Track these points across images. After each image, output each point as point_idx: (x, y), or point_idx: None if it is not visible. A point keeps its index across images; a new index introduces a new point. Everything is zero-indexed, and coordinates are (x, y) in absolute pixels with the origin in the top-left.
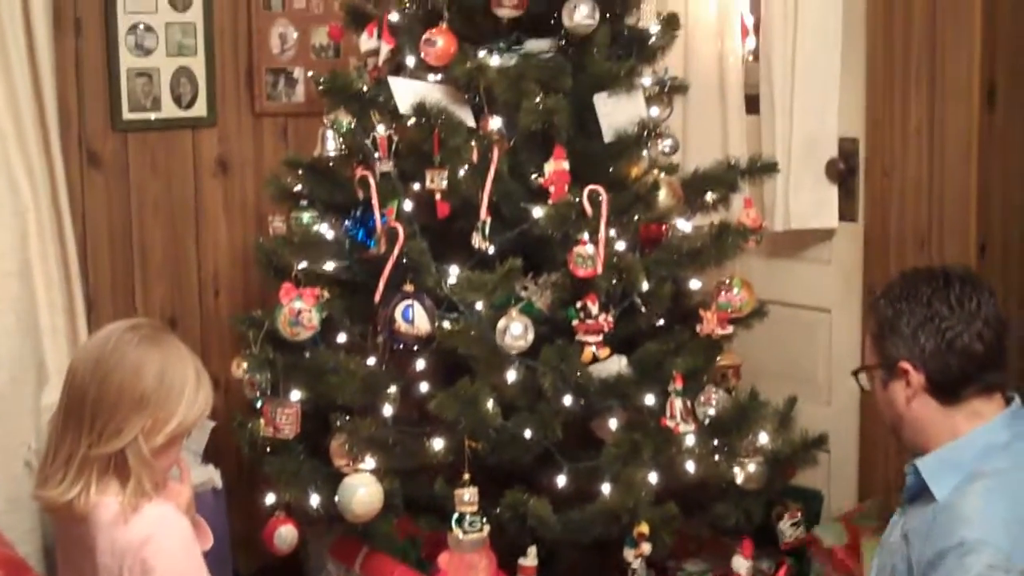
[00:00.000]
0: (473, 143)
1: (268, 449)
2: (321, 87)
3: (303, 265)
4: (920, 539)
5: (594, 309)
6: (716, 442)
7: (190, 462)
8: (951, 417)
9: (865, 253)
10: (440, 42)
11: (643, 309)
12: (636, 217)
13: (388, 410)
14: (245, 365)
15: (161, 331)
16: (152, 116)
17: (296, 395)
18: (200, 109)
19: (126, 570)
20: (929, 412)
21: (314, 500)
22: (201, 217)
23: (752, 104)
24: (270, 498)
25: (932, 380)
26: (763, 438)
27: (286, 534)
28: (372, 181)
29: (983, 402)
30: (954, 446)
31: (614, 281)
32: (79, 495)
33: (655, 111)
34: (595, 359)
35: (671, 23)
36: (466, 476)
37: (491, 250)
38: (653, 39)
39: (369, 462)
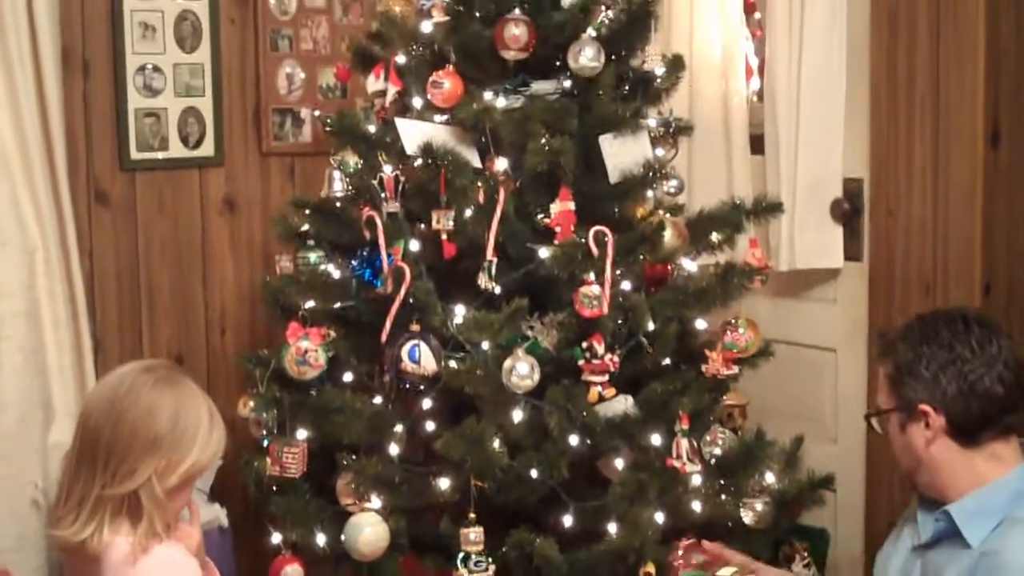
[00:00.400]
0: (479, 184)
1: (274, 488)
2: (328, 127)
3: (310, 304)
4: None
5: (600, 349)
6: (722, 482)
7: (198, 502)
8: (970, 460)
9: (870, 293)
10: (447, 84)
11: (649, 349)
12: (642, 257)
13: (394, 449)
14: (251, 404)
15: (176, 372)
16: (160, 156)
17: (302, 434)
18: (207, 149)
19: None
20: (949, 455)
21: (320, 539)
22: (208, 256)
23: (757, 144)
24: (276, 537)
25: (953, 423)
26: (769, 477)
27: (292, 573)
28: (379, 221)
29: (1002, 445)
30: (984, 493)
31: (620, 321)
32: (92, 535)
33: (660, 152)
34: (601, 399)
35: (676, 64)
36: (472, 515)
37: (497, 290)
38: (658, 80)
39: (375, 501)
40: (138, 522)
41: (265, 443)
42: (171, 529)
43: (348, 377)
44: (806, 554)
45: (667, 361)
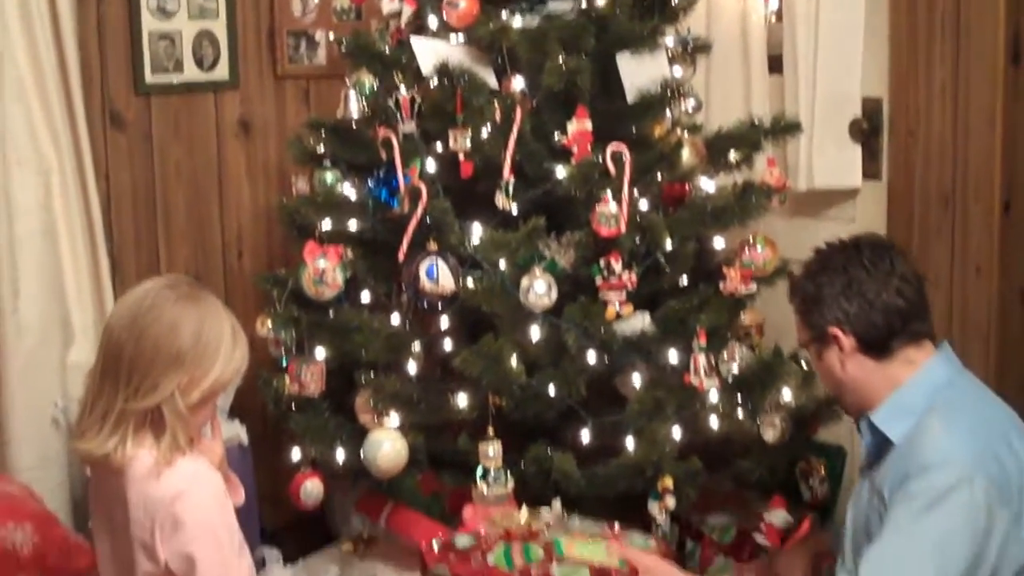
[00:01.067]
0: (496, 103)
1: (293, 406)
2: (344, 48)
3: (327, 225)
4: (886, 478)
5: (617, 267)
6: (739, 398)
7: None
8: (886, 370)
9: (889, 212)
10: (462, 3)
11: (666, 268)
12: (659, 176)
13: (412, 367)
14: (270, 323)
15: (198, 288)
16: (174, 79)
17: (321, 353)
18: (222, 72)
19: (157, 524)
20: (865, 371)
21: (339, 455)
22: (224, 178)
23: (775, 64)
24: (296, 454)
25: (862, 340)
26: (786, 394)
27: (312, 488)
28: (395, 142)
29: (915, 350)
30: (900, 393)
31: (637, 240)
32: (116, 448)
33: (678, 71)
34: (618, 316)
35: None
36: (490, 431)
37: (514, 209)
38: None
39: (394, 418)
40: (161, 436)
41: (284, 362)
42: (194, 444)
43: (366, 297)
44: (822, 470)
45: (684, 280)
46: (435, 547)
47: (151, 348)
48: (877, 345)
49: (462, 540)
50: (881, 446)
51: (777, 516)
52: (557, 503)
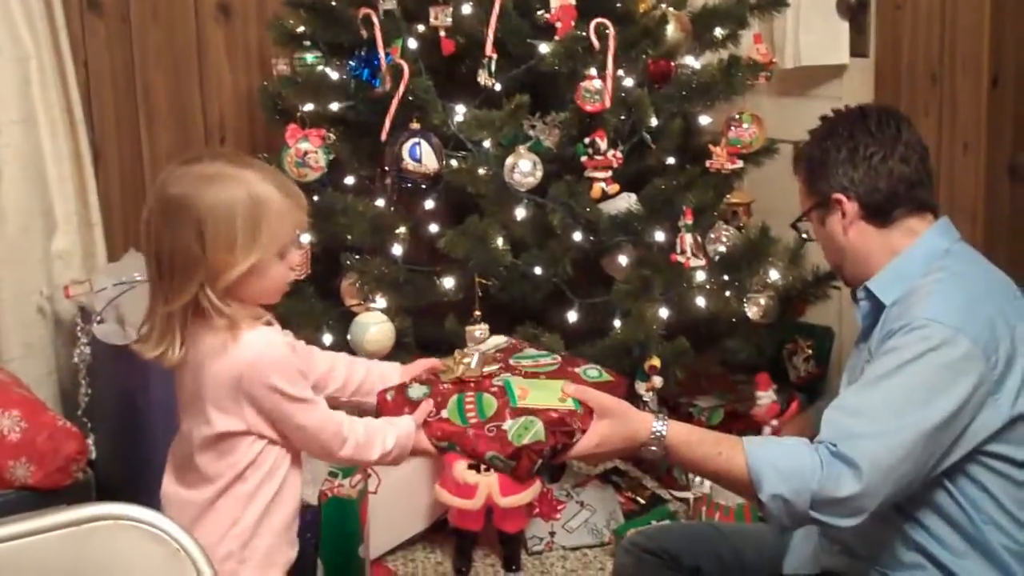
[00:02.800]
0: None
1: None
2: None
3: (308, 106)
4: (877, 340)
5: (603, 145)
6: (726, 278)
7: None
8: (887, 237)
9: (876, 88)
10: None
11: (652, 146)
12: (644, 52)
13: (398, 250)
14: None
15: (207, 164)
16: None
17: (305, 237)
18: None
19: (244, 399)
20: (867, 238)
21: (327, 339)
22: (204, 63)
23: None
24: None
25: (865, 206)
26: (774, 274)
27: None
28: (375, 19)
29: (916, 220)
30: (898, 261)
31: (622, 117)
32: (167, 350)
33: None
34: (604, 195)
35: None
36: (477, 313)
37: (498, 87)
38: None
39: (380, 301)
40: (219, 318)
41: None
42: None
43: (350, 180)
44: (808, 350)
45: (671, 160)
46: (388, 398)
47: (166, 252)
48: (880, 212)
49: (416, 391)
50: (876, 314)
51: (765, 396)
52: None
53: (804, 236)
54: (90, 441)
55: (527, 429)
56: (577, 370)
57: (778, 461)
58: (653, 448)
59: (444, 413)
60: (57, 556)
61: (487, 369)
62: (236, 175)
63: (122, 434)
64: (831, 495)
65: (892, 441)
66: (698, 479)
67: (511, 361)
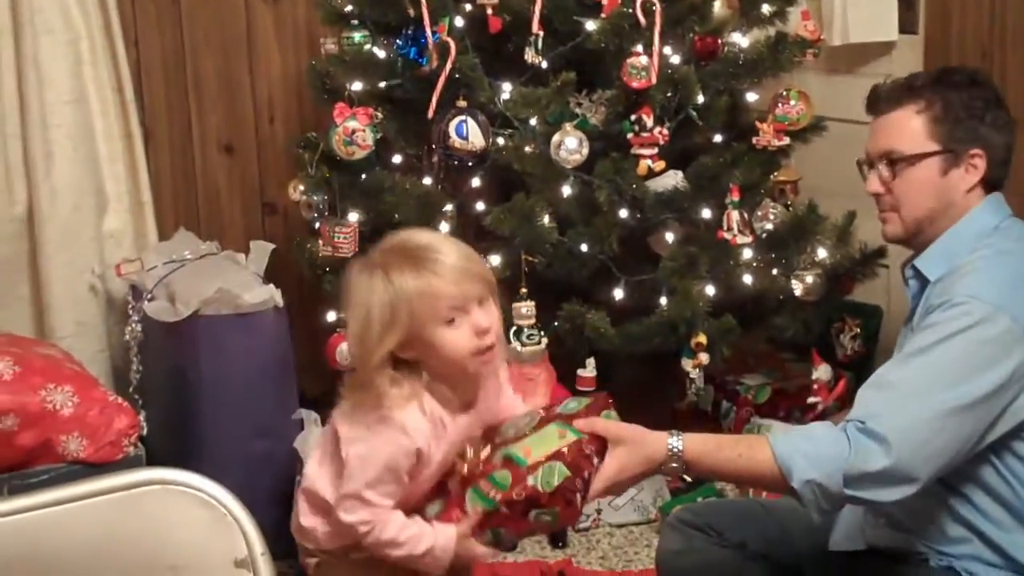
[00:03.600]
0: None
1: (327, 269)
2: None
3: (356, 85)
4: (918, 317)
5: (649, 122)
6: (773, 255)
7: (252, 284)
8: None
9: (926, 65)
10: None
11: (699, 123)
12: (691, 29)
13: (445, 227)
14: (302, 187)
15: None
16: None
17: (353, 216)
18: None
19: None
20: (971, 203)
21: None
22: (253, 44)
23: None
24: (331, 315)
25: (991, 170)
26: (821, 252)
27: (347, 350)
28: None
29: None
30: (947, 237)
31: (669, 94)
32: None
33: None
34: (651, 172)
35: None
36: (523, 290)
37: (544, 64)
38: None
39: None
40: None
41: (316, 225)
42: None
43: (397, 159)
44: (856, 328)
45: (718, 137)
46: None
47: None
48: (993, 181)
49: (431, 509)
50: (922, 292)
51: (822, 371)
52: (591, 362)
53: (882, 176)
54: (141, 417)
55: (551, 473)
56: (558, 410)
57: (805, 447)
58: (674, 465)
59: (469, 508)
60: (107, 520)
61: (482, 455)
62: None
63: (172, 410)
64: (862, 470)
65: (920, 414)
66: None
67: (497, 439)
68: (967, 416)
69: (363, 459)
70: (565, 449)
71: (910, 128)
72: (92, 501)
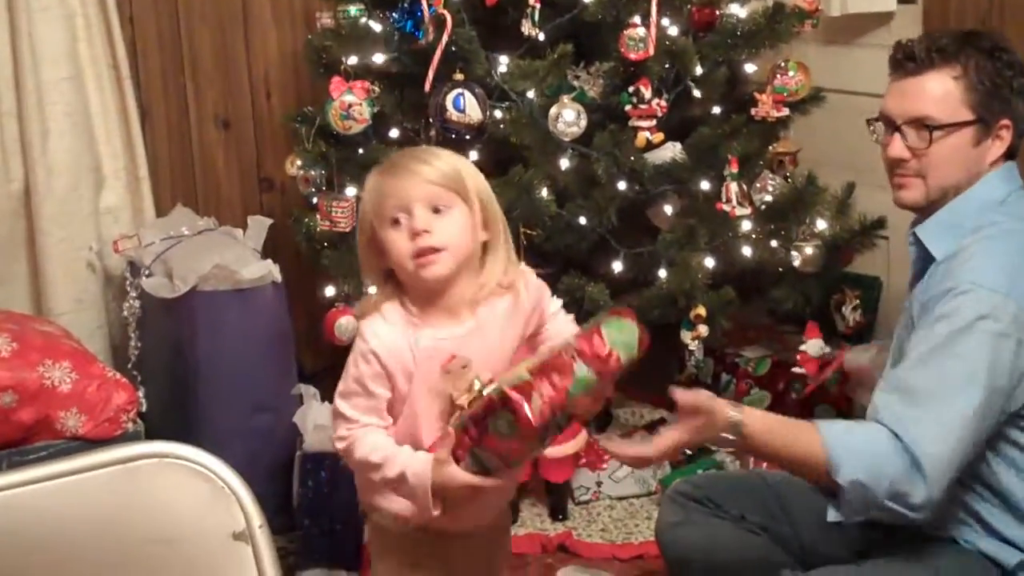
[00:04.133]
0: None
1: (325, 243)
2: None
3: (352, 59)
4: (922, 301)
5: (647, 94)
6: (772, 227)
7: (250, 259)
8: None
9: None
10: None
11: (697, 94)
12: (688, 1)
13: None
14: (299, 162)
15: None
16: None
17: (351, 190)
18: None
19: None
20: (992, 171)
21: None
22: (249, 19)
23: None
24: (329, 290)
25: (1014, 142)
26: (820, 224)
27: (346, 324)
28: None
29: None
30: (951, 207)
31: (667, 66)
32: None
33: None
34: (649, 144)
35: None
36: (522, 263)
37: (541, 37)
38: None
39: None
40: None
41: (314, 200)
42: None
43: (394, 133)
44: (856, 300)
45: (716, 109)
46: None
47: None
48: (1014, 150)
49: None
50: (926, 260)
51: (813, 345)
52: None
53: (910, 143)
54: (140, 393)
55: (507, 379)
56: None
57: (857, 446)
58: (731, 438)
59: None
60: (104, 493)
61: (475, 387)
62: None
63: (171, 386)
64: (906, 496)
65: (952, 428)
66: None
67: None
68: (987, 411)
69: (343, 372)
70: (537, 360)
71: (949, 95)
72: (90, 474)
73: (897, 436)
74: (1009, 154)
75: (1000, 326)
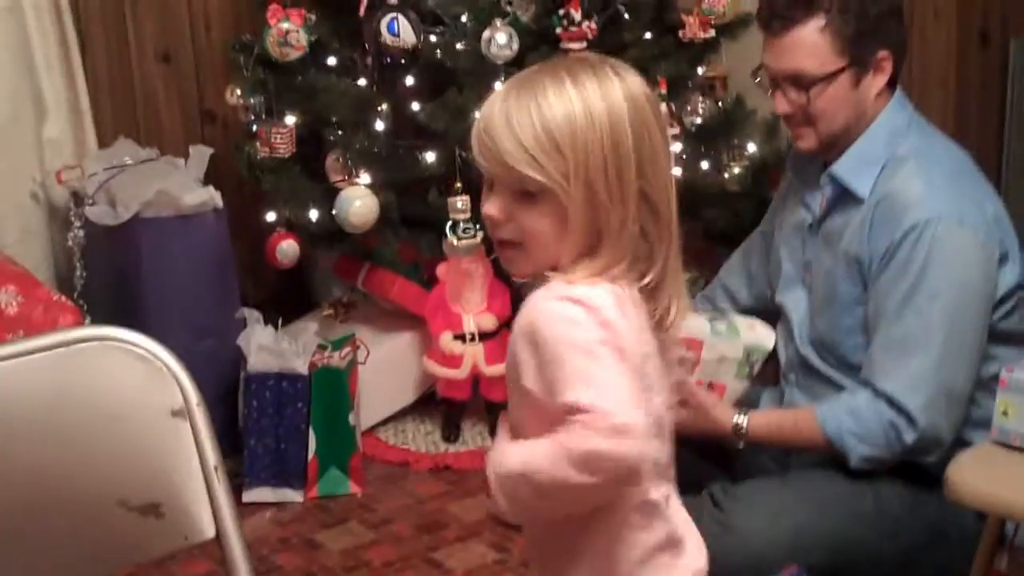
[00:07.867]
0: None
1: (265, 170)
2: None
3: None
4: (856, 241)
5: (577, 16)
6: (703, 149)
7: (192, 186)
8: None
9: None
10: None
11: (626, 17)
12: None
13: (380, 126)
14: (239, 91)
15: None
16: None
17: (290, 118)
18: None
19: None
20: (880, 105)
21: (313, 215)
22: None
23: None
24: (271, 216)
25: (896, 67)
26: (751, 147)
27: (287, 248)
28: None
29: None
30: (862, 143)
31: None
32: None
33: None
34: None
35: None
36: (458, 185)
37: None
38: None
39: (364, 177)
40: None
41: (254, 128)
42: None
43: (332, 60)
44: None
45: (647, 35)
46: None
47: None
48: (894, 79)
49: None
50: (840, 198)
51: None
52: None
53: (795, 100)
54: (87, 322)
55: None
56: None
57: (851, 425)
58: (735, 437)
59: None
60: (47, 375)
61: None
62: None
63: (117, 314)
64: (918, 451)
65: (954, 373)
66: None
67: None
68: (982, 332)
69: None
70: None
71: (817, 47)
72: (33, 357)
73: (898, 405)
74: (894, 80)
75: (965, 245)
